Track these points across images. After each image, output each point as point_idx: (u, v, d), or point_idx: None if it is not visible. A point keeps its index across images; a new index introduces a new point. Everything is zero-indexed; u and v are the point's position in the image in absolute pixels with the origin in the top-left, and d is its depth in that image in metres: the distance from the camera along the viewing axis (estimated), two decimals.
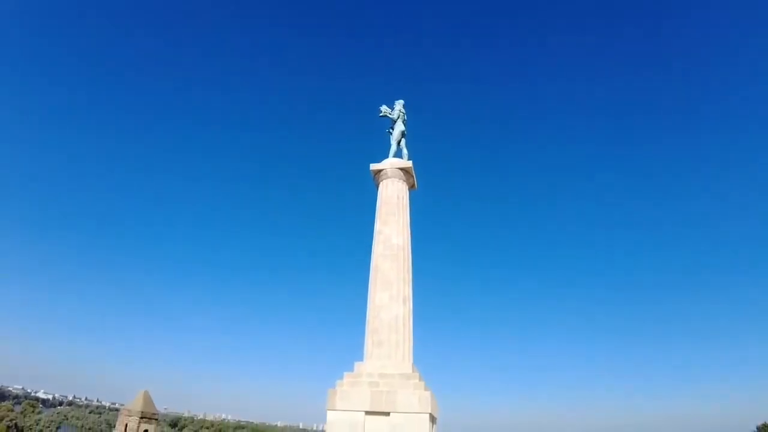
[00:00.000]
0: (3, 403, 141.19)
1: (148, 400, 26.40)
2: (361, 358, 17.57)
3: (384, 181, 19.99)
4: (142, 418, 25.55)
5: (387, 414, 15.32)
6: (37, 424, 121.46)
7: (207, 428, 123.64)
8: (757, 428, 51.30)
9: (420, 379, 16.25)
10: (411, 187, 20.74)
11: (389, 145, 21.15)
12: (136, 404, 25.89)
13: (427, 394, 15.50)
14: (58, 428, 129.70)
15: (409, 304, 17.89)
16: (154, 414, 26.33)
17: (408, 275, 18.31)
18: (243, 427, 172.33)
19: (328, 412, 15.75)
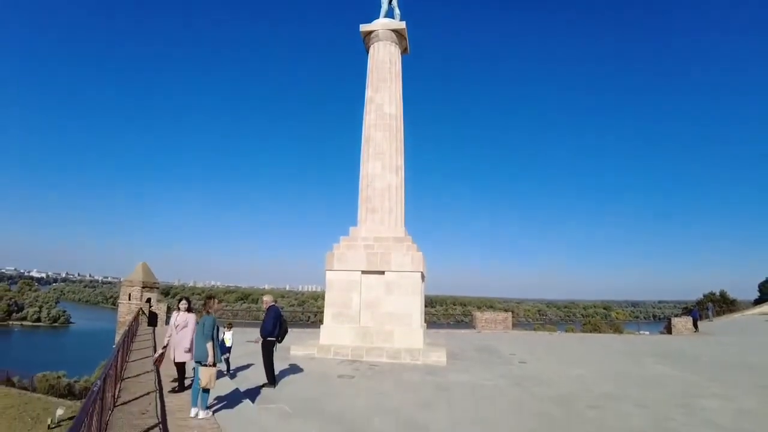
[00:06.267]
0: None
1: (147, 270, 27.53)
2: (354, 224, 18.23)
3: (375, 44, 18.80)
4: (143, 287, 26.87)
5: (382, 273, 16.47)
6: (36, 301, 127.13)
7: (198, 294, 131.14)
8: (704, 296, 57.30)
9: (412, 242, 17.21)
10: (404, 52, 19.67)
11: (380, 5, 19.52)
12: (137, 275, 27.02)
13: (419, 254, 16.54)
14: (57, 302, 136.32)
15: (401, 174, 18.15)
16: (155, 283, 27.68)
17: (400, 145, 18.26)
18: (232, 292, 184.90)
19: (327, 272, 16.80)
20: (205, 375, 7.70)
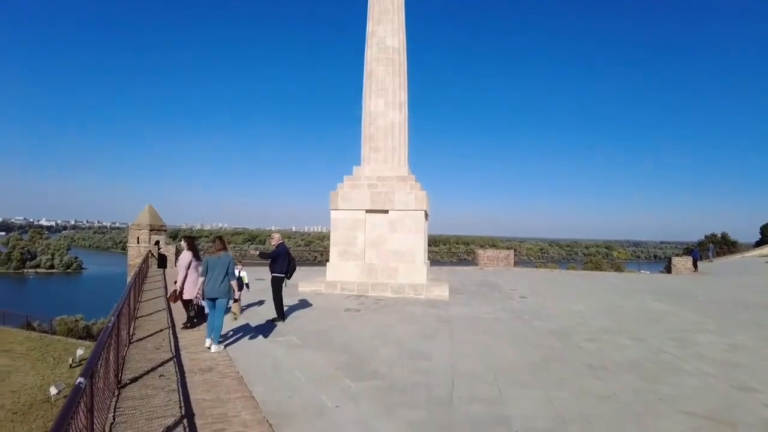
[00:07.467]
0: (10, 234, 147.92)
1: (153, 213, 27.76)
2: (357, 164, 18.04)
3: None
4: (151, 230, 27.20)
5: (386, 212, 16.52)
6: (48, 249, 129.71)
7: (206, 237, 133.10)
8: (705, 237, 57.64)
9: (415, 181, 17.10)
10: None
11: None
12: (143, 218, 27.28)
13: (423, 193, 16.50)
14: (68, 249, 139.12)
15: (405, 111, 17.70)
16: (162, 226, 27.98)
17: (404, 80, 17.66)
18: (240, 233, 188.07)
19: (332, 211, 16.86)
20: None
